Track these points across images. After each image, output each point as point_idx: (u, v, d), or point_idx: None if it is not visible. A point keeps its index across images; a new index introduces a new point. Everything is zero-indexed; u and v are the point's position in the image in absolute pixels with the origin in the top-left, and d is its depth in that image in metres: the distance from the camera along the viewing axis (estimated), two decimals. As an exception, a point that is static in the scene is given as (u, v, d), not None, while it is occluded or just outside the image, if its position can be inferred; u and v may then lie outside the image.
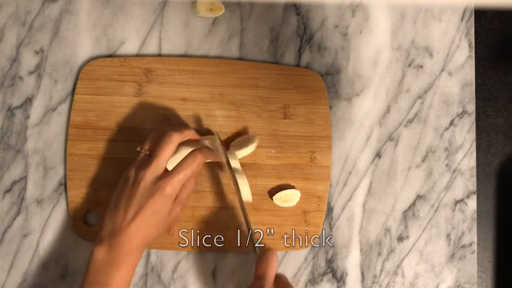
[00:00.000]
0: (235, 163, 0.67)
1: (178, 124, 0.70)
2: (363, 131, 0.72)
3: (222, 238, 0.68)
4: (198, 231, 0.69)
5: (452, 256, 0.71)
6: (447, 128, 0.72)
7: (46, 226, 0.69)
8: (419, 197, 0.71)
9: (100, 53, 0.71)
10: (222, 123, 0.70)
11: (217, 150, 0.67)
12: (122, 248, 0.60)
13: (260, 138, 0.70)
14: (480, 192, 0.73)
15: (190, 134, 0.65)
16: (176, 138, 0.63)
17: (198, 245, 0.69)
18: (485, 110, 0.75)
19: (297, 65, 0.72)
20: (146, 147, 0.64)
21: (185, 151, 0.65)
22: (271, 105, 0.71)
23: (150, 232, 0.62)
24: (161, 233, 0.64)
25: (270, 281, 0.61)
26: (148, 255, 0.69)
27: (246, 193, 0.67)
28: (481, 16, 0.75)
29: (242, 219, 0.69)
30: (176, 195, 0.63)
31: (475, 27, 0.74)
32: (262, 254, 0.62)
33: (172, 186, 0.61)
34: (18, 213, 0.69)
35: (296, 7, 0.73)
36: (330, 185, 0.71)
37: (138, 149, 0.64)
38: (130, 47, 0.72)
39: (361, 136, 0.72)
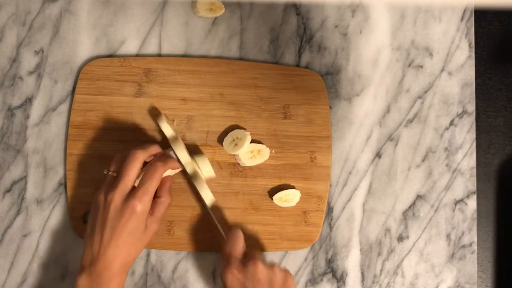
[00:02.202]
0: (202, 164, 0.67)
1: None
2: (363, 131, 0.72)
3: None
4: (198, 231, 0.69)
5: (452, 256, 0.71)
6: (447, 128, 0.72)
7: (46, 226, 0.69)
8: (419, 197, 0.71)
9: (100, 53, 0.71)
10: (222, 123, 0.70)
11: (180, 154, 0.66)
12: (104, 274, 0.59)
13: (260, 138, 0.70)
14: (480, 192, 0.73)
15: (154, 149, 0.65)
16: (140, 155, 0.63)
17: (198, 245, 0.69)
18: (485, 110, 0.75)
19: (297, 65, 0.72)
20: (112, 168, 0.64)
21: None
22: (271, 105, 0.71)
23: (129, 253, 0.61)
24: (140, 251, 0.63)
25: (238, 258, 0.62)
26: (148, 255, 0.69)
27: (208, 170, 0.67)
28: (481, 16, 0.75)
29: (243, 219, 0.69)
30: (148, 210, 0.62)
31: (475, 27, 0.74)
32: (227, 234, 0.64)
33: (141, 202, 0.61)
34: (18, 213, 0.69)
35: (296, 7, 0.73)
36: (330, 185, 0.71)
37: (105, 172, 0.64)
38: (130, 47, 0.72)
39: (361, 136, 0.72)
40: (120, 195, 0.61)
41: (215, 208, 0.68)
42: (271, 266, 0.62)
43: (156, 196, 0.65)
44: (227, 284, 0.61)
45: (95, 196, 0.63)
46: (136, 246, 0.62)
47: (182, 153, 0.66)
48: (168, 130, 0.67)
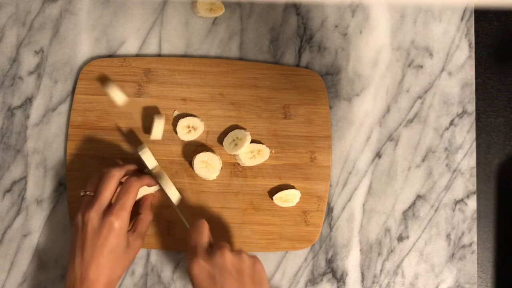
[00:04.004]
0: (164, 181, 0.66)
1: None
2: (363, 131, 0.72)
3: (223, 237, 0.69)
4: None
5: (452, 256, 0.71)
6: (447, 128, 0.72)
7: (46, 226, 0.69)
8: (419, 197, 0.71)
9: (100, 53, 0.71)
10: (222, 123, 0.70)
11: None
12: None
13: (260, 138, 0.70)
14: (480, 192, 0.73)
15: (130, 168, 0.65)
16: (116, 173, 0.63)
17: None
18: (485, 110, 0.75)
19: (297, 65, 0.72)
20: (89, 189, 0.63)
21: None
22: (271, 105, 0.71)
23: (113, 272, 0.60)
24: (125, 269, 0.63)
25: (203, 248, 0.61)
26: (148, 255, 0.69)
27: (174, 194, 0.66)
28: (481, 16, 0.75)
29: (243, 219, 0.69)
30: (127, 225, 0.61)
31: (475, 27, 0.74)
32: (192, 226, 0.63)
33: (117, 217, 0.60)
34: (18, 213, 0.69)
35: (296, 7, 0.73)
36: (330, 185, 0.71)
37: (82, 193, 0.64)
38: (130, 47, 0.72)
39: (361, 136, 0.72)
40: (97, 213, 0.60)
41: (182, 204, 0.68)
42: (238, 253, 0.61)
43: (137, 213, 0.66)
44: (194, 276, 0.59)
45: (74, 218, 0.62)
46: (119, 264, 0.61)
47: (149, 160, 0.66)
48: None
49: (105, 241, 0.60)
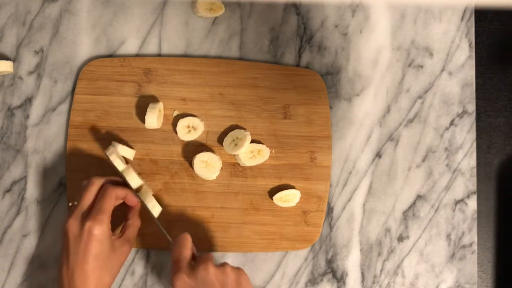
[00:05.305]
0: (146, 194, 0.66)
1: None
2: (363, 131, 0.72)
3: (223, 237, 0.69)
4: (198, 231, 0.69)
5: (452, 256, 0.71)
6: (447, 128, 0.72)
7: (46, 226, 0.69)
8: (419, 197, 0.71)
9: (100, 53, 0.71)
10: (222, 123, 0.70)
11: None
12: None
13: (260, 138, 0.70)
14: (480, 192, 0.73)
15: (112, 178, 0.65)
16: (96, 181, 0.63)
17: (198, 245, 0.69)
18: (485, 110, 0.75)
19: (297, 65, 0.72)
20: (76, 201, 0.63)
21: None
22: (271, 105, 0.70)
23: (101, 278, 0.60)
24: (115, 276, 0.62)
25: (186, 262, 0.60)
26: (148, 255, 0.69)
27: (156, 208, 0.66)
28: (481, 16, 0.75)
29: (243, 219, 0.69)
30: (108, 230, 0.61)
31: (475, 27, 0.74)
32: (174, 240, 0.62)
33: (96, 222, 0.60)
34: (18, 213, 0.69)
35: (296, 7, 0.73)
36: (330, 185, 0.71)
37: (70, 204, 0.65)
38: (130, 47, 0.72)
39: (361, 136, 0.72)
40: (76, 220, 0.60)
41: (162, 217, 0.67)
42: (222, 266, 0.60)
43: (126, 218, 0.66)
44: None
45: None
46: (106, 270, 0.60)
47: (133, 180, 0.66)
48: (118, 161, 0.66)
49: (86, 248, 0.59)
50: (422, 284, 0.70)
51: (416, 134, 0.72)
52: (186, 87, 0.70)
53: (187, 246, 0.61)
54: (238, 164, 0.70)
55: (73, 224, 0.60)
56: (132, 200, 0.65)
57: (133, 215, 0.66)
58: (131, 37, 0.72)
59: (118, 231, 0.66)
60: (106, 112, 0.70)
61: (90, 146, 0.69)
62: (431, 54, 0.73)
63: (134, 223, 0.65)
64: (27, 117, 0.70)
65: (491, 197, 0.74)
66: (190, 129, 0.69)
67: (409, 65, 0.73)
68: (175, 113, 0.70)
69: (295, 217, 0.69)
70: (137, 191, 0.66)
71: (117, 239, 0.63)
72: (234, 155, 0.69)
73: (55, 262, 0.69)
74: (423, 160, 0.72)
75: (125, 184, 0.66)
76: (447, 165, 0.72)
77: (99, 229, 0.60)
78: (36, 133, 0.70)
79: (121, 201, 0.66)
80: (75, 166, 0.69)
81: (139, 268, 0.69)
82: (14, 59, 0.71)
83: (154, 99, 0.70)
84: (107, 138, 0.69)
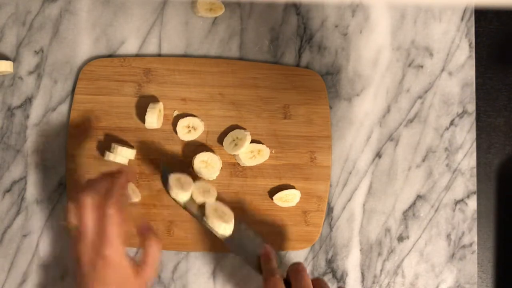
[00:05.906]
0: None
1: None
2: (363, 131, 0.72)
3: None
4: (198, 231, 0.69)
5: (452, 256, 0.71)
6: (447, 128, 0.72)
7: (46, 226, 0.69)
8: (419, 197, 0.71)
9: (100, 53, 0.71)
10: (222, 123, 0.70)
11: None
12: None
13: (260, 138, 0.70)
14: (480, 192, 0.73)
15: (103, 184, 0.59)
16: (88, 200, 0.56)
17: (198, 245, 0.69)
18: (486, 110, 0.75)
19: (297, 65, 0.72)
20: (72, 222, 0.58)
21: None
22: (271, 105, 0.70)
23: None
24: None
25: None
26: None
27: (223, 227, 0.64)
28: (481, 16, 0.75)
29: (243, 219, 0.68)
30: (121, 255, 0.56)
31: (475, 27, 0.74)
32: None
33: (106, 247, 0.55)
34: (18, 213, 0.69)
35: (296, 7, 0.73)
36: (330, 185, 0.71)
37: (62, 222, 0.63)
38: (130, 47, 0.72)
39: (361, 136, 0.72)
40: (86, 247, 0.55)
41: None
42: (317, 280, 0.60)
43: (143, 241, 0.60)
44: None
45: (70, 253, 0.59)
46: None
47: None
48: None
49: (99, 275, 0.55)
50: (422, 284, 0.70)
51: (416, 134, 0.72)
52: (186, 87, 0.70)
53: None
54: (238, 164, 0.70)
55: (84, 252, 0.55)
56: (131, 177, 0.62)
57: (149, 235, 0.59)
58: (131, 37, 0.72)
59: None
60: (106, 112, 0.70)
61: (90, 146, 0.69)
62: (431, 54, 0.73)
63: (153, 244, 0.59)
64: (27, 117, 0.70)
65: (491, 197, 0.74)
66: (190, 129, 0.69)
67: (409, 65, 0.73)
68: (175, 113, 0.70)
69: (295, 217, 0.69)
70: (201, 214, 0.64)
71: (136, 264, 0.58)
72: (234, 155, 0.69)
73: (55, 262, 0.69)
74: (423, 160, 0.72)
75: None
76: (447, 165, 0.72)
77: (113, 255, 0.55)
78: (36, 133, 0.70)
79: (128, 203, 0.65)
80: (75, 166, 0.69)
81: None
82: (14, 59, 0.71)
83: (154, 99, 0.70)
84: (107, 138, 0.69)
